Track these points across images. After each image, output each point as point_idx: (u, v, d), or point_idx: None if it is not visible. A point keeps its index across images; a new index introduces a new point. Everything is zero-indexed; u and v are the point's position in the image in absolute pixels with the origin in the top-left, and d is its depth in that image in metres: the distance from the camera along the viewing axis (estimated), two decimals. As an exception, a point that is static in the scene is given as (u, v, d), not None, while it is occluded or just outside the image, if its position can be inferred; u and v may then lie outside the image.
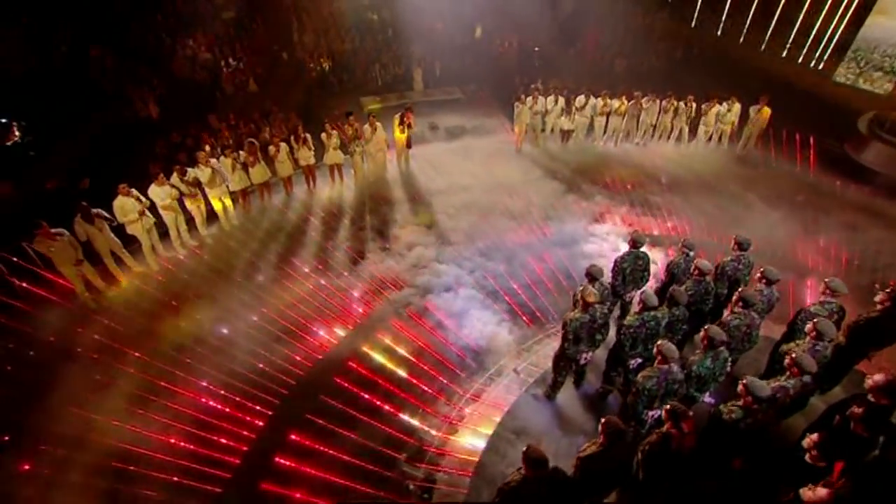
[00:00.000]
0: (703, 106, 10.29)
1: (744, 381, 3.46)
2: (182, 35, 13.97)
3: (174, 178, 7.54)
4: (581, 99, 10.45)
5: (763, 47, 14.12)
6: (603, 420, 3.27)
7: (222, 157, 8.13)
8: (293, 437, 4.97)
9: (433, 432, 5.08)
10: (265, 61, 14.71)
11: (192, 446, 4.94)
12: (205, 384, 5.60)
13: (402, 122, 9.40)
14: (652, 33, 15.02)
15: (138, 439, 4.98)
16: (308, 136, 8.98)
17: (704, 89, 10.96)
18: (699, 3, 15.20)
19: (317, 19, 15.96)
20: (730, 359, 4.43)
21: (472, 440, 4.93)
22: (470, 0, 16.61)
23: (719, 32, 14.96)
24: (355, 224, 8.57)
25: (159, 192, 7.33)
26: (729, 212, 8.59)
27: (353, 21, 15.61)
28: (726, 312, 4.75)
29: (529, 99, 10.38)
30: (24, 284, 6.65)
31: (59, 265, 6.57)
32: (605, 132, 10.82)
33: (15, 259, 6.74)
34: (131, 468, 4.77)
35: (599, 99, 10.42)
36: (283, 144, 8.75)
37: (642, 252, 5.27)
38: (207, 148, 8.02)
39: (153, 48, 13.57)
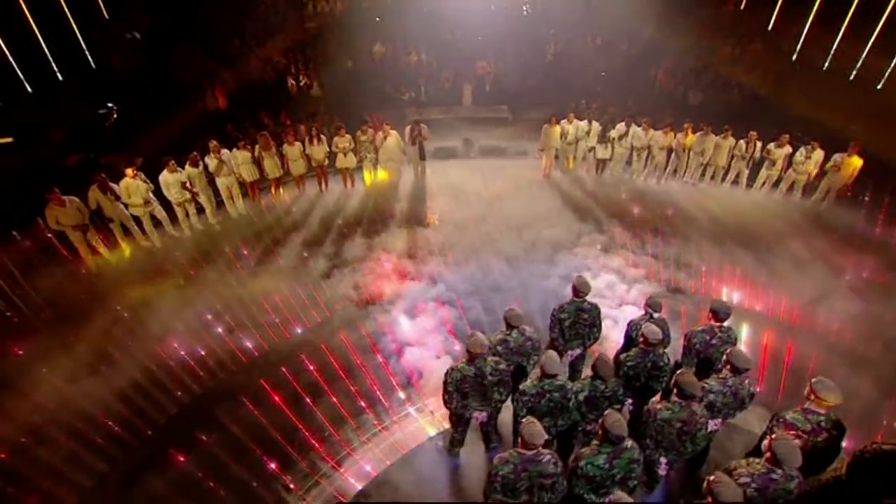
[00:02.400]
0: (769, 146, 8.67)
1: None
2: (264, 39, 15.25)
3: (188, 166, 8.02)
4: (621, 127, 9.40)
5: (880, 86, 11.69)
6: None
7: (235, 150, 8.52)
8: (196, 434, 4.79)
9: (322, 462, 4.62)
10: (332, 68, 15.51)
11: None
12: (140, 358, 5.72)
13: (412, 134, 9.17)
14: (738, 65, 13.23)
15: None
16: (323, 136, 9.12)
17: (788, 132, 9.29)
18: (804, 33, 13.11)
19: (389, 31, 16.51)
20: (662, 460, 3.45)
21: (354, 476, 4.40)
22: (546, 21, 16.32)
23: (825, 67, 12.71)
24: (345, 232, 8.38)
25: (169, 179, 7.82)
26: (783, 280, 6.96)
27: (424, 35, 15.91)
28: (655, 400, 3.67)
29: (564, 122, 9.59)
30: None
31: (66, 229, 7.25)
32: (644, 166, 9.61)
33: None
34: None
35: (641, 128, 9.28)
36: (297, 143, 8.97)
37: (587, 304, 4.36)
38: (215, 142, 8.40)
39: (237, 49, 14.95)
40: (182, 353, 5.84)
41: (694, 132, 9.12)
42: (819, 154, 8.37)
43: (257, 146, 8.73)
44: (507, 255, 7.57)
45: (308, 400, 5.14)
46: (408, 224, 8.48)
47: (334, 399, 5.18)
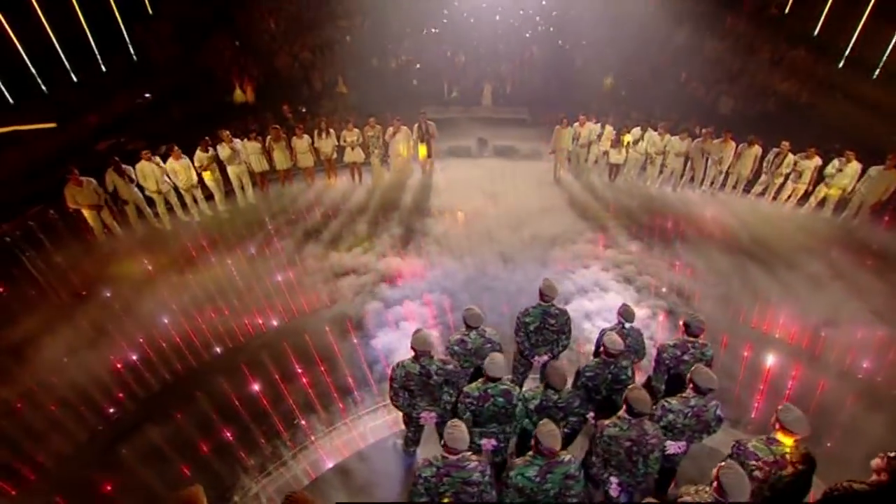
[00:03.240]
0: (795, 158, 8.08)
1: None
2: (294, 35, 15.66)
3: (198, 151, 8.31)
4: (636, 131, 9.02)
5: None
6: None
7: (246, 140, 8.75)
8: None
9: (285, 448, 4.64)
10: (360, 66, 15.72)
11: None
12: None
13: (420, 130, 9.14)
14: (776, 72, 12.46)
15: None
16: (332, 130, 9.24)
17: (826, 143, 8.64)
18: (854, 39, 12.19)
19: (420, 29, 16.57)
20: (613, 480, 3.23)
21: (309, 466, 4.39)
22: (576, 25, 15.94)
23: (875, 76, 11.77)
24: (346, 225, 8.42)
25: (175, 166, 8.13)
26: (795, 298, 6.45)
27: (453, 35, 15.89)
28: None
29: (576, 124, 9.31)
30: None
31: (82, 207, 7.65)
32: (660, 173, 9.18)
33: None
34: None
35: (657, 133, 8.87)
36: (305, 136, 9.12)
37: (555, 309, 4.16)
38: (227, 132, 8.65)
39: (267, 44, 15.43)
40: (167, 331, 6.01)
41: (713, 138, 8.61)
42: (854, 167, 7.69)
43: (268, 138, 8.94)
44: (502, 255, 7.41)
45: (282, 387, 5.19)
46: (409, 220, 8.45)
47: (308, 388, 5.21)
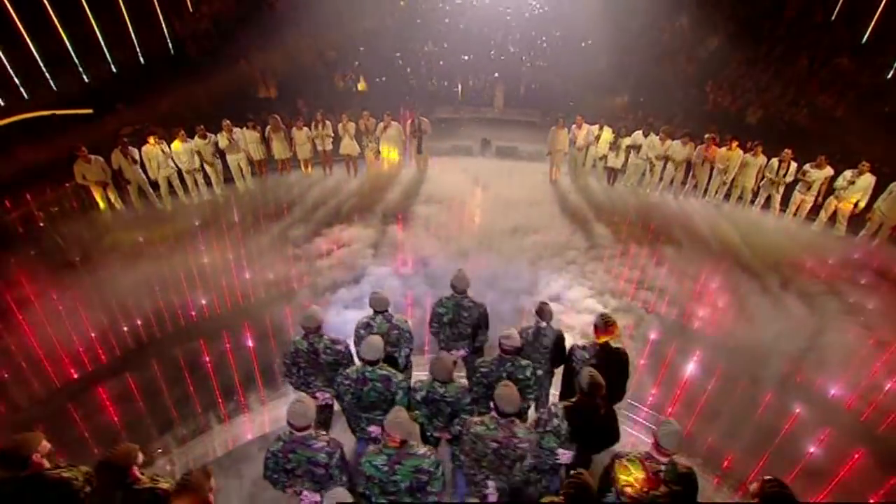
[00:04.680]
0: (805, 167, 7.42)
1: None
2: (320, 34, 16.18)
3: (196, 138, 8.73)
4: (637, 135, 8.61)
5: None
6: None
7: (245, 129, 9.10)
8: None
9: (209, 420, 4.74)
10: (382, 65, 16.02)
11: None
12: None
13: (412, 127, 9.16)
14: (813, 82, 11.52)
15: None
16: (328, 122, 9.44)
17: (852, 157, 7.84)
18: (905, 47, 11.07)
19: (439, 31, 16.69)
20: (490, 483, 3.06)
21: (218, 442, 4.45)
22: (602, 29, 15.49)
23: (926, 87, 10.62)
24: (331, 216, 8.52)
25: (179, 148, 8.57)
26: (782, 318, 5.91)
27: (474, 37, 15.88)
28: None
29: (573, 126, 9.02)
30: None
31: (89, 183, 8.21)
32: (660, 180, 8.70)
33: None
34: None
35: (658, 138, 8.41)
36: (304, 128, 9.37)
37: (469, 301, 3.99)
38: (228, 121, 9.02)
39: (293, 41, 16.01)
40: (143, 300, 6.30)
41: (716, 145, 8.06)
42: (867, 179, 6.96)
43: (267, 128, 9.25)
44: (478, 252, 7.25)
45: (230, 360, 5.33)
46: (390, 211, 8.47)
47: (254, 365, 5.30)
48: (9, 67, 11.60)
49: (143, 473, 2.64)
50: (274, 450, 2.84)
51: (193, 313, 6.22)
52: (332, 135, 9.45)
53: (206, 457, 4.37)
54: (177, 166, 8.73)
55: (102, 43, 13.19)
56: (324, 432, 2.96)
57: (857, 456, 4.35)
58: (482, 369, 3.51)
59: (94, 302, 6.28)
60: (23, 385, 5.16)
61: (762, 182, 7.84)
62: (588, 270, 6.82)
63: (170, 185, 8.84)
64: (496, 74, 13.51)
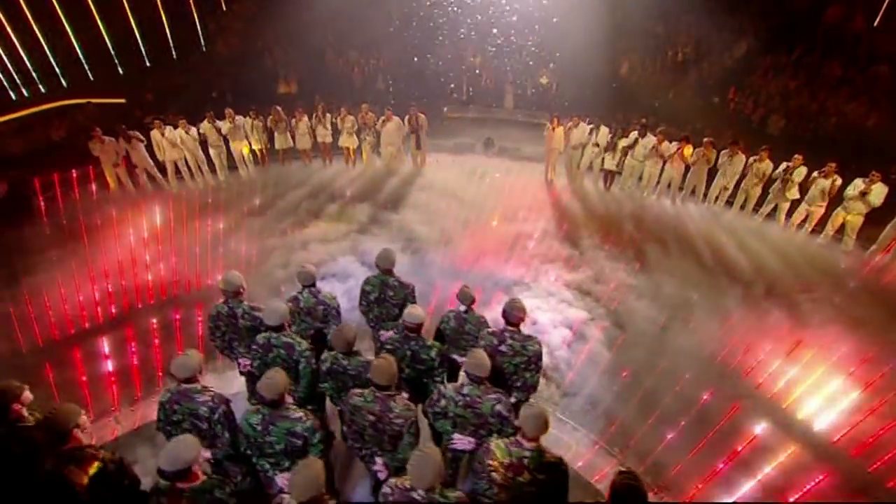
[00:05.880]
0: (813, 175, 6.91)
1: None
2: (345, 34, 16.62)
3: (204, 123, 9.14)
4: (634, 135, 8.30)
5: None
6: None
7: (248, 118, 9.46)
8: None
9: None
10: (402, 65, 16.28)
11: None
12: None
13: (410, 122, 9.23)
14: (844, 90, 10.76)
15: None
16: (328, 115, 9.67)
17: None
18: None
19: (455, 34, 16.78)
20: (378, 459, 3.02)
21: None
22: (626, 34, 15.10)
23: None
24: (329, 202, 8.69)
25: (183, 135, 8.99)
26: (757, 325, 5.54)
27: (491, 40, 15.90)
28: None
29: (569, 124, 8.81)
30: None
31: (102, 163, 8.75)
32: (657, 183, 8.34)
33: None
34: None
35: (654, 139, 8.08)
36: (304, 119, 9.63)
37: (394, 281, 3.95)
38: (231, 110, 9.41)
39: (317, 41, 16.52)
40: (132, 271, 6.67)
41: (715, 147, 7.65)
42: (879, 190, 6.39)
43: (269, 118, 9.58)
44: (452, 245, 7.20)
45: (199, 333, 5.50)
46: (381, 202, 8.55)
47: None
48: (51, 58, 12.58)
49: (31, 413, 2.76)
50: (163, 400, 2.91)
51: (175, 285, 6.47)
52: (329, 128, 9.64)
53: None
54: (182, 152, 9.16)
55: (139, 38, 14.09)
56: (211, 388, 2.99)
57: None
58: (387, 346, 3.46)
59: (87, 269, 6.67)
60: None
61: (771, 189, 7.35)
62: (562, 270, 6.62)
63: (177, 169, 9.29)
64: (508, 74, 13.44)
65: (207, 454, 3.05)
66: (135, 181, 9.14)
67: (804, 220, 7.22)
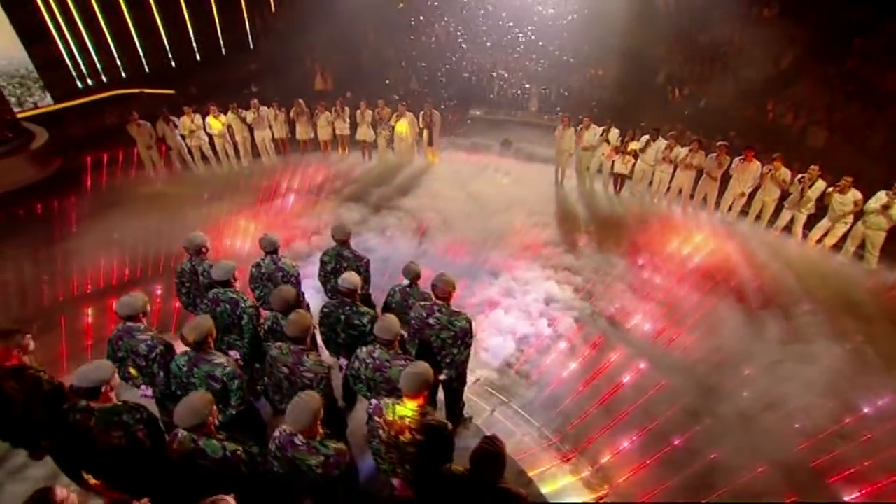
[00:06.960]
0: (829, 190, 6.40)
1: None
2: (383, 35, 17.18)
3: (230, 112, 9.76)
4: (645, 139, 8.04)
5: None
6: None
7: (270, 108, 10.01)
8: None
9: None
10: (436, 65, 16.57)
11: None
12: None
13: (424, 119, 9.42)
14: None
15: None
16: (347, 108, 10.04)
17: None
18: None
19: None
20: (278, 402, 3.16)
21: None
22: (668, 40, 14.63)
23: None
24: (341, 189, 9.05)
25: (212, 121, 9.64)
26: (737, 335, 5.20)
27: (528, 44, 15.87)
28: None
29: (580, 126, 8.66)
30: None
31: (138, 144, 9.53)
32: (668, 189, 8.02)
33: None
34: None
35: (665, 143, 7.79)
36: (326, 112, 10.06)
37: (349, 252, 4.06)
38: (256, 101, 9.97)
39: (355, 40, 17.13)
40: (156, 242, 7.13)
41: (728, 154, 7.27)
42: (903, 202, 5.82)
43: (292, 110, 10.08)
44: (445, 237, 7.27)
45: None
46: (385, 197, 8.75)
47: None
48: (114, 51, 13.85)
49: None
50: (111, 338, 3.17)
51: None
52: (348, 122, 10.00)
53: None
54: (210, 137, 9.82)
55: (192, 35, 15.23)
56: (153, 329, 3.22)
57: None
58: (324, 310, 3.57)
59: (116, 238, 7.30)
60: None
61: (787, 201, 6.88)
62: (556, 269, 6.51)
63: (202, 153, 9.95)
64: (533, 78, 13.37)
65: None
66: (167, 162, 9.88)
67: (824, 235, 6.69)
